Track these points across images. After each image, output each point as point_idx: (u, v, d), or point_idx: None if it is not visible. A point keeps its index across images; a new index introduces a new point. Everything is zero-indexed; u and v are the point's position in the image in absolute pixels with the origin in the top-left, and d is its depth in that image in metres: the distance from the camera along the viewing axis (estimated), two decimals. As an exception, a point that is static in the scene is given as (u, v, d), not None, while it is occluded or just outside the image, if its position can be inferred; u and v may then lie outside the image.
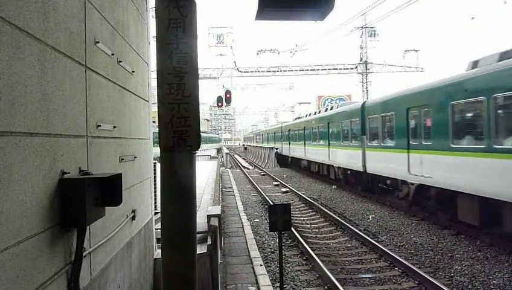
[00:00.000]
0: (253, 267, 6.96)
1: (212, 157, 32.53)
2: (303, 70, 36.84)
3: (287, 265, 7.87)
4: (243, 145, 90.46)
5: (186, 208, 2.50)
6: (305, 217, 12.88)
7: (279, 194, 17.93)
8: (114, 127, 3.56)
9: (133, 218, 4.25)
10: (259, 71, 37.07)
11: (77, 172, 2.66)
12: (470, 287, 6.65)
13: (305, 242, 9.09)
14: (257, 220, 12.25)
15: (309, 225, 11.63)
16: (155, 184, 5.99)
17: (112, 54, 3.54)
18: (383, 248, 8.47)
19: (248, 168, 35.61)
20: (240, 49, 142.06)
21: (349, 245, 9.37)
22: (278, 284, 6.09)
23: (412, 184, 11.55)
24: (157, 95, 2.47)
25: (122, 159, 3.83)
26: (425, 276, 6.72)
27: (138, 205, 4.52)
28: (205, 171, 17.16)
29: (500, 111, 8.47)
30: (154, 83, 3.10)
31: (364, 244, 9.23)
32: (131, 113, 4.34)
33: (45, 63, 2.23)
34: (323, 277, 7.12)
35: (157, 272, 5.19)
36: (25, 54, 2.00)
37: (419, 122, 11.40)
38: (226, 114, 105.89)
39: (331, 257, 8.49)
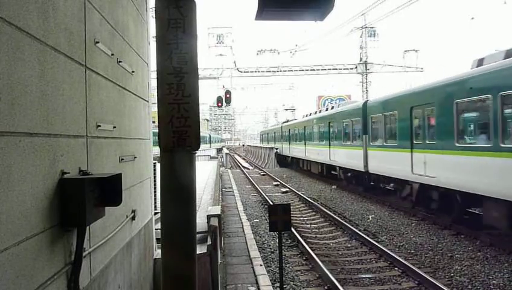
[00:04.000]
0: (253, 268, 6.96)
1: (212, 158, 32.54)
2: (303, 70, 36.81)
3: (287, 265, 7.87)
4: (243, 145, 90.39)
5: (186, 208, 2.50)
6: (305, 217, 12.88)
7: (279, 194, 17.93)
8: (114, 127, 3.56)
9: (133, 218, 4.25)
10: (259, 71, 37.05)
11: (77, 172, 2.66)
12: (470, 287, 6.65)
13: (305, 242, 9.09)
14: (257, 220, 12.25)
15: (309, 225, 11.64)
16: (155, 184, 5.99)
17: (112, 54, 3.54)
18: (383, 248, 8.47)
19: (248, 168, 35.61)
20: (239, 49, 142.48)
21: (349, 245, 9.38)
22: (278, 284, 6.09)
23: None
24: (157, 95, 2.47)
25: (122, 159, 3.83)
26: (425, 276, 6.73)
27: (138, 205, 4.52)
28: (205, 171, 17.17)
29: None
30: (154, 83, 3.10)
31: (364, 245, 9.23)
32: (131, 113, 4.34)
33: (45, 63, 2.23)
34: (323, 277, 7.12)
35: (157, 272, 5.19)
36: (24, 54, 2.00)
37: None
38: (226, 114, 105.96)
39: (331, 257, 8.49)
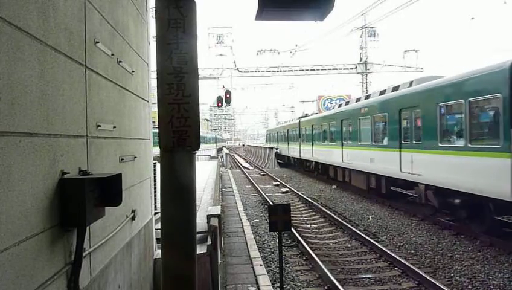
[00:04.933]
0: (253, 267, 6.96)
1: (212, 158, 32.53)
2: (303, 70, 36.82)
3: (287, 265, 7.87)
4: (243, 145, 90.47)
5: (186, 208, 2.50)
6: (305, 217, 12.88)
7: (279, 194, 17.93)
8: (114, 127, 3.56)
9: (133, 218, 4.25)
10: (259, 71, 37.06)
11: (77, 172, 2.66)
12: (470, 287, 6.65)
13: (305, 242, 9.09)
14: (257, 220, 12.25)
15: (309, 225, 11.63)
16: (155, 184, 5.99)
17: (112, 54, 3.54)
18: (383, 248, 8.47)
19: (248, 169, 35.61)
20: (239, 49, 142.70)
21: (349, 245, 9.38)
22: (278, 284, 6.09)
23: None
24: (157, 95, 2.47)
25: (122, 159, 3.83)
26: (425, 276, 6.73)
27: (138, 205, 4.52)
28: (205, 171, 17.17)
29: None
30: (154, 83, 3.10)
31: (364, 245, 9.23)
32: (131, 113, 4.34)
33: (45, 63, 2.23)
34: (323, 277, 7.12)
35: (157, 272, 5.19)
36: (25, 54, 2.00)
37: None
38: (226, 114, 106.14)
39: (331, 257, 8.49)
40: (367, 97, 16.55)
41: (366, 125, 15.20)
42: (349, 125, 17.30)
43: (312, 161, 24.47)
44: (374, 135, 14.58)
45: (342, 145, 17.83)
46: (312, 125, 24.31)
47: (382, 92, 14.59)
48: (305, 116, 29.21)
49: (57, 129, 2.38)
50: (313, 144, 23.80)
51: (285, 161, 34.54)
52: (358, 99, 17.60)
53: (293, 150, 30.12)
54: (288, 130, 32.75)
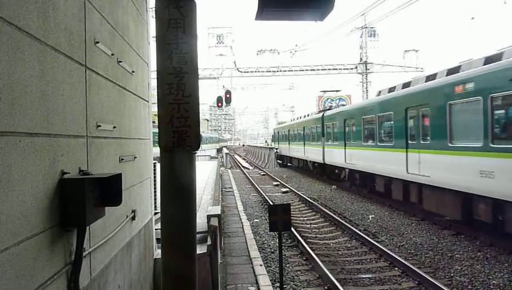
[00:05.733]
0: (253, 267, 6.96)
1: (212, 158, 32.54)
2: (303, 70, 36.81)
3: (287, 265, 7.87)
4: (243, 145, 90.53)
5: (186, 208, 2.50)
6: (305, 217, 12.88)
7: (279, 194, 17.93)
8: (114, 127, 3.56)
9: (133, 218, 4.25)
10: (259, 71, 37.05)
11: (77, 172, 2.66)
12: (470, 287, 6.65)
13: (305, 242, 9.09)
14: (257, 220, 12.25)
15: (309, 225, 11.63)
16: (155, 184, 5.99)
17: (112, 54, 3.54)
18: (383, 248, 8.47)
19: (248, 169, 35.61)
20: (239, 49, 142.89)
21: (349, 245, 9.38)
22: (278, 284, 6.09)
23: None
24: (157, 95, 2.47)
25: (122, 159, 3.83)
26: (425, 276, 6.73)
27: (138, 205, 4.52)
28: (205, 171, 17.17)
29: None
30: (154, 83, 3.11)
31: (364, 245, 9.23)
32: (131, 113, 4.34)
33: (45, 63, 2.23)
34: (323, 276, 7.12)
35: (157, 272, 5.20)
36: (25, 54, 2.00)
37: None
38: (226, 114, 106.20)
39: (331, 257, 8.49)
40: (450, 72, 10.21)
41: (470, 114, 9.18)
42: (423, 117, 11.05)
43: (345, 168, 18.15)
44: (492, 129, 8.32)
45: (407, 147, 11.78)
46: (345, 120, 17.89)
47: (490, 59, 8.75)
48: (329, 109, 23.15)
49: (57, 129, 2.38)
50: (346, 145, 17.54)
51: (300, 165, 28.43)
52: (430, 77, 11.24)
53: (311, 152, 23.91)
54: (304, 127, 26.18)
